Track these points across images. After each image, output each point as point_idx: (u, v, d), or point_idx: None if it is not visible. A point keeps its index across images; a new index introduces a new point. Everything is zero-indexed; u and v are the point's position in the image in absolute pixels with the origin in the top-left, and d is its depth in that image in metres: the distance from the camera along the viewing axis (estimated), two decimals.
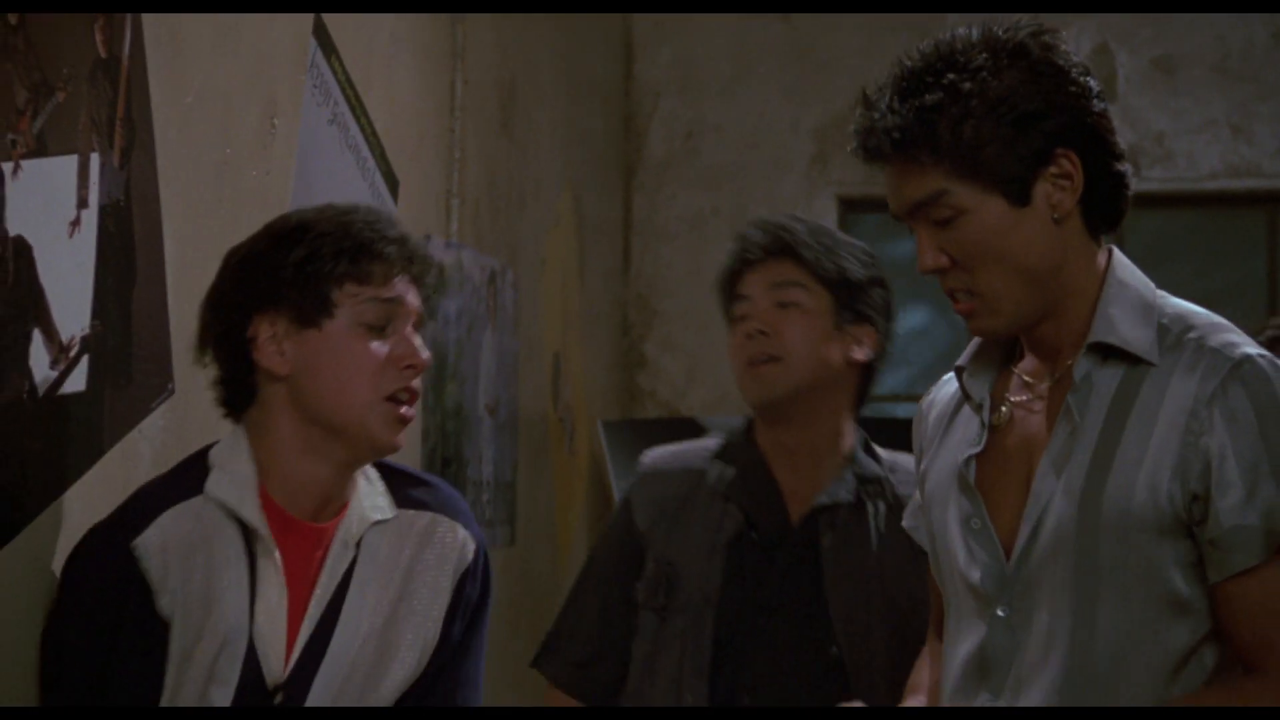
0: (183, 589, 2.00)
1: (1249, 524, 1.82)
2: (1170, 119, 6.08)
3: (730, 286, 2.72)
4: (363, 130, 3.27)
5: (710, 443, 2.77)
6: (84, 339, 2.16)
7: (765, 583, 2.60)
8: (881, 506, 2.63)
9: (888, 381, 6.94)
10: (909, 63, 1.92)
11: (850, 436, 2.70)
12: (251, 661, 2.02)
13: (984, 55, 1.90)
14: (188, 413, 2.43)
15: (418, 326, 2.10)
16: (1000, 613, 1.92)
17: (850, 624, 2.58)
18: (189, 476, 2.07)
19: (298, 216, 2.10)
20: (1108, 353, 1.91)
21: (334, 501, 2.10)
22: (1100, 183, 1.92)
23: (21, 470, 2.05)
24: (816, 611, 2.60)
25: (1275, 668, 1.83)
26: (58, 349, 2.11)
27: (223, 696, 2.01)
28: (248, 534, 2.04)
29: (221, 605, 2.01)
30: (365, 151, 3.29)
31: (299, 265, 2.03)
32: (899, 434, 2.58)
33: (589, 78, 5.75)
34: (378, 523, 2.12)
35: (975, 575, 1.95)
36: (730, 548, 2.61)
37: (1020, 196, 1.89)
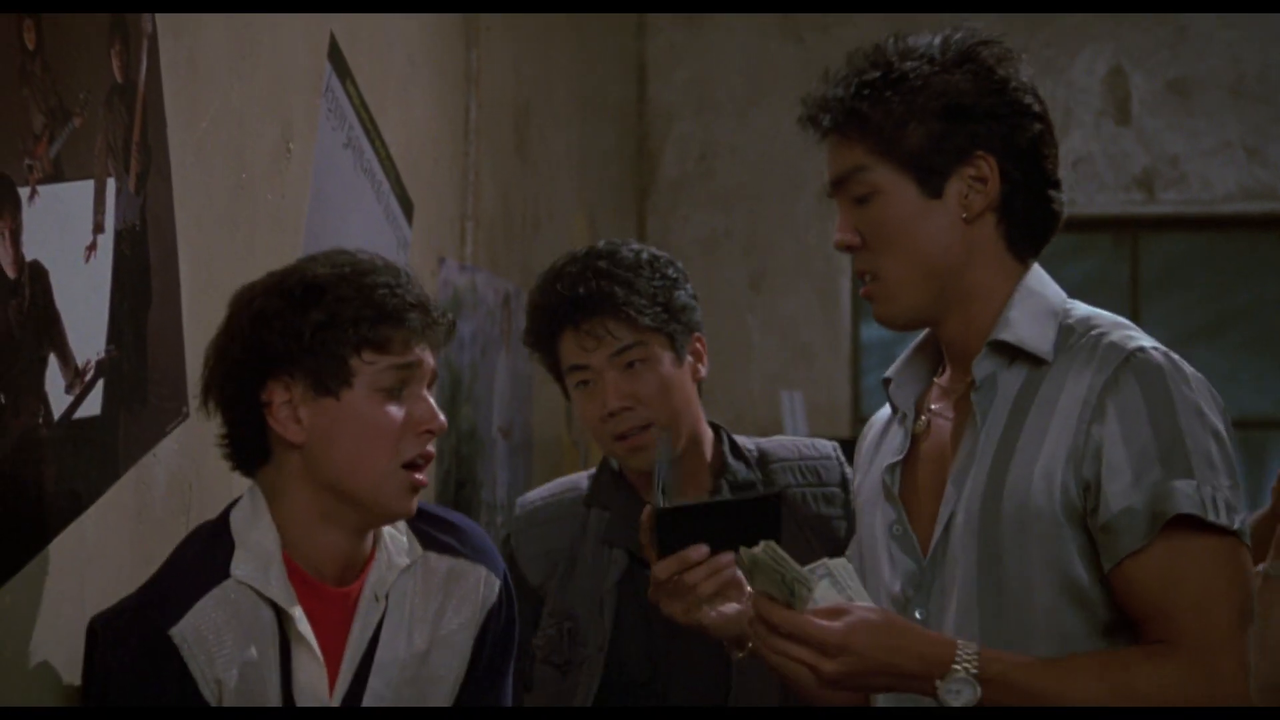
0: (226, 675, 1.98)
1: (1134, 506, 1.84)
2: (1185, 141, 6.06)
3: (550, 348, 2.61)
4: (378, 153, 3.27)
5: (580, 483, 2.71)
6: (99, 363, 2.17)
7: (657, 620, 2.36)
8: None
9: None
10: (870, 48, 2.00)
11: (710, 438, 2.65)
12: None
13: (936, 50, 1.97)
14: (202, 436, 2.42)
15: (431, 385, 2.07)
16: (918, 615, 1.95)
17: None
18: (215, 555, 2.03)
19: (313, 274, 2.03)
20: (1012, 355, 1.95)
21: (357, 561, 2.08)
22: (1020, 197, 1.97)
23: (37, 494, 2.05)
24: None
25: (1176, 637, 1.83)
26: (73, 373, 2.11)
27: None
28: (279, 610, 2.02)
29: (260, 689, 1.99)
30: (380, 175, 3.29)
31: (317, 330, 1.98)
32: None
33: (603, 100, 5.76)
34: (404, 569, 2.10)
35: (897, 586, 1.98)
36: (621, 592, 2.56)
37: (933, 188, 1.95)
